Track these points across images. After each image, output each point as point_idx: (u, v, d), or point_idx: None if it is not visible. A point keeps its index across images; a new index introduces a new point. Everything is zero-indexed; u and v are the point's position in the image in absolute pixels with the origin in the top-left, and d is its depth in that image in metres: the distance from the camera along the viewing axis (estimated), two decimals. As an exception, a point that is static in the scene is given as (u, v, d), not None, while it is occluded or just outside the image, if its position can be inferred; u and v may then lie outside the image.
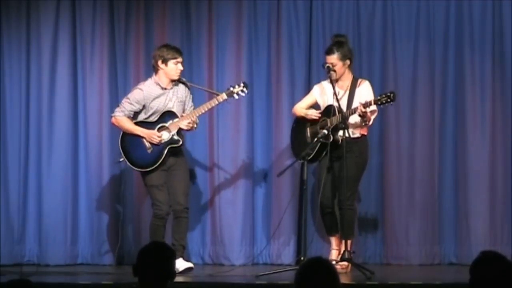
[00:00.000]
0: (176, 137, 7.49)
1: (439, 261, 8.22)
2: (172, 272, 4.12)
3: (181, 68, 7.51)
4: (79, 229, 8.35)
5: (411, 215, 8.23)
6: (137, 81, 8.32)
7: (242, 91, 7.55)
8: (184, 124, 7.47)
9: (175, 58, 7.46)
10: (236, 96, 7.56)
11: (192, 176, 8.37)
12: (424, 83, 8.30)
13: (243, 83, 7.61)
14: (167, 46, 7.55)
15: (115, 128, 8.28)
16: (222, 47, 8.44)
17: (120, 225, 8.35)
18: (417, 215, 8.22)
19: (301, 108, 7.70)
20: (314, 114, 7.56)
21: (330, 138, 7.32)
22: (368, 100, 7.28)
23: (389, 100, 7.23)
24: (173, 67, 7.47)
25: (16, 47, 8.45)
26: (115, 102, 8.35)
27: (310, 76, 8.34)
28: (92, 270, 7.97)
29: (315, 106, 7.71)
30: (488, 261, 3.83)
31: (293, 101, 8.11)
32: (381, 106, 7.31)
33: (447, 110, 8.31)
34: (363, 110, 7.20)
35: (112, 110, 8.32)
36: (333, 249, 7.63)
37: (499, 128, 8.25)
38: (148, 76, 8.17)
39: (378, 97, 7.27)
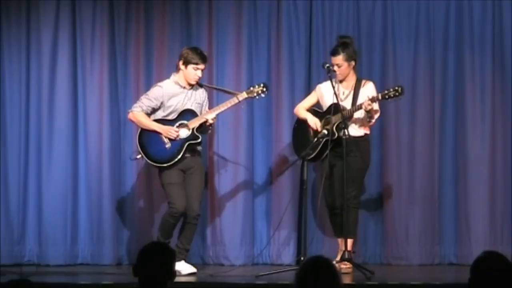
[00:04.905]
0: (196, 133, 7.47)
1: (439, 261, 8.22)
2: (172, 272, 4.11)
3: (200, 75, 7.43)
4: (79, 229, 8.34)
5: (411, 215, 8.23)
6: (137, 81, 8.33)
7: (262, 91, 7.56)
8: (211, 116, 7.46)
9: (196, 64, 7.39)
10: (256, 97, 7.56)
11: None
12: (424, 83, 8.29)
13: (263, 84, 7.62)
14: (194, 50, 7.46)
15: (115, 128, 8.28)
16: (222, 47, 8.43)
17: (120, 225, 8.36)
18: (417, 215, 8.22)
19: (304, 109, 7.70)
20: (315, 125, 7.51)
21: (335, 135, 7.31)
22: (375, 94, 7.30)
23: (397, 94, 7.23)
24: (191, 72, 7.42)
25: (16, 47, 8.44)
26: (115, 101, 8.35)
27: (310, 76, 8.35)
28: (92, 270, 7.97)
29: (318, 105, 7.71)
30: (489, 260, 3.83)
31: (293, 101, 8.12)
32: (389, 100, 7.31)
33: (447, 110, 8.31)
34: (370, 104, 7.20)
35: (112, 110, 8.33)
36: (341, 249, 7.57)
37: (499, 128, 8.25)
38: (147, 75, 8.18)
39: (386, 91, 7.28)
